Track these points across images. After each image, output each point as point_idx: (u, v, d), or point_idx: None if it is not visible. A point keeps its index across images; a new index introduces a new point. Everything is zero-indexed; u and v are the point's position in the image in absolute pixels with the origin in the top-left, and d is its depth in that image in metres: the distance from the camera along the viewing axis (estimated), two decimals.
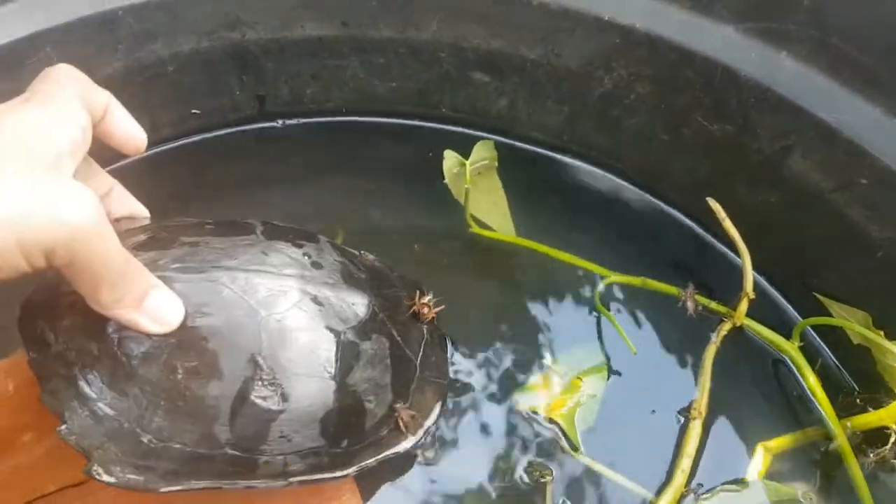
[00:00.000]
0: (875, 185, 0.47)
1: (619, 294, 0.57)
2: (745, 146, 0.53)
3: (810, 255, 0.54)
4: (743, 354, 0.55)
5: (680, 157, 0.57)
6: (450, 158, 0.58)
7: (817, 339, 0.54)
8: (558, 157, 0.63)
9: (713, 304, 0.55)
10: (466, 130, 0.64)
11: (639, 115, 0.57)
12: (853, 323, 0.50)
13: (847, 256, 0.51)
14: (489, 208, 0.59)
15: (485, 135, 0.63)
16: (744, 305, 0.54)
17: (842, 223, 0.50)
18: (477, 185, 0.59)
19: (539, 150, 0.63)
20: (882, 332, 0.49)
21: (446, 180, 0.58)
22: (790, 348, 0.53)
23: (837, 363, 0.53)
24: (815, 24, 0.45)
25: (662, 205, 0.60)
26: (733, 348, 0.55)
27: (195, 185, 0.62)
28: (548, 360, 0.54)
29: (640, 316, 0.56)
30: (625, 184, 0.61)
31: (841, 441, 0.50)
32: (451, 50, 0.58)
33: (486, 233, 0.58)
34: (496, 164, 0.60)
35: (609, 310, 0.56)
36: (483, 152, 0.59)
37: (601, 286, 0.56)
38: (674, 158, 0.58)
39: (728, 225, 0.55)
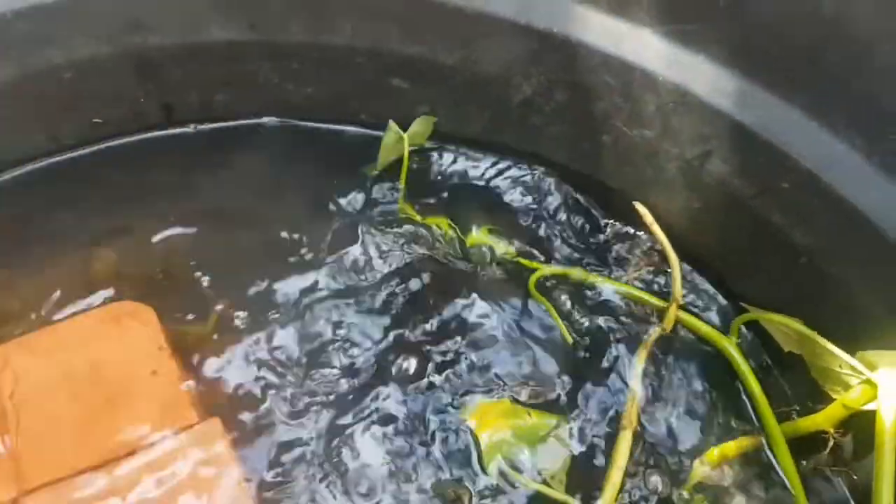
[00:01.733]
0: (796, 189, 0.45)
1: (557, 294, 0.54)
2: (666, 151, 0.50)
3: (736, 262, 0.52)
4: (681, 359, 0.52)
5: (602, 163, 0.54)
6: (390, 132, 0.55)
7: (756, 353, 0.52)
8: (481, 164, 0.59)
9: (652, 299, 0.52)
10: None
11: (559, 121, 0.53)
12: (788, 321, 0.48)
13: (772, 263, 0.49)
14: None
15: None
16: (672, 311, 0.51)
17: (765, 229, 0.48)
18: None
19: (463, 153, 0.59)
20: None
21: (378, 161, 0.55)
22: (728, 343, 0.51)
23: (777, 374, 0.51)
24: (733, 26, 0.43)
25: (592, 209, 0.57)
26: (672, 353, 0.52)
27: (98, 196, 0.56)
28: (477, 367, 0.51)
29: (577, 315, 0.53)
30: (551, 189, 0.58)
31: (779, 449, 0.47)
32: (368, 55, 0.53)
33: (427, 220, 0.54)
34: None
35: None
36: (422, 126, 0.56)
37: (533, 278, 0.52)
38: (595, 164, 0.55)
39: (656, 229, 0.52)
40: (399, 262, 0.54)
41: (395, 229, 0.55)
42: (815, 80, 0.41)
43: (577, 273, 0.54)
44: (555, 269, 0.54)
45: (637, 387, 0.49)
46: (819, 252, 0.45)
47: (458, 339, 0.51)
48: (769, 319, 0.49)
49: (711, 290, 0.54)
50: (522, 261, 0.54)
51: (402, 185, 0.56)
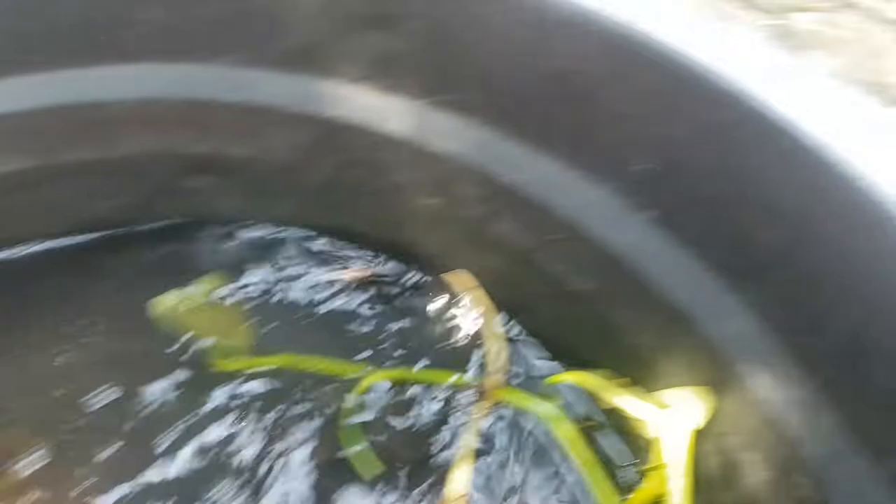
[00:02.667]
0: (566, 239, 0.45)
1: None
2: (456, 216, 0.50)
3: (541, 315, 0.52)
4: (515, 434, 0.50)
5: (412, 234, 0.54)
6: (163, 304, 0.52)
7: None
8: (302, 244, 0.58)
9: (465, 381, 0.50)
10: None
11: (360, 198, 0.54)
12: (581, 377, 0.47)
13: (566, 311, 0.49)
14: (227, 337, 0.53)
15: (219, 228, 0.58)
16: (495, 380, 0.50)
17: (552, 280, 0.48)
18: (209, 315, 0.53)
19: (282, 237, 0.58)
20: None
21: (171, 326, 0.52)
22: (547, 414, 0.48)
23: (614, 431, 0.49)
24: (484, 91, 0.44)
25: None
26: (504, 428, 0.50)
27: None
28: None
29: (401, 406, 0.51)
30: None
31: None
32: (158, 160, 0.53)
33: (233, 365, 0.51)
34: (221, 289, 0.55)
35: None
36: (206, 285, 0.54)
37: (351, 398, 0.49)
38: (404, 235, 0.55)
39: (477, 294, 0.51)
40: None
41: None
42: (562, 132, 0.42)
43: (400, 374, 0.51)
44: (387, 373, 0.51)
45: (465, 468, 0.46)
46: (598, 298, 0.45)
47: None
48: (575, 377, 0.48)
49: (534, 353, 0.52)
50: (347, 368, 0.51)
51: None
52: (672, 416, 0.42)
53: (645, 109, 0.38)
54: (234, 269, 0.56)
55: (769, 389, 0.38)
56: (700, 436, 0.42)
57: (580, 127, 0.41)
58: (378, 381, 0.51)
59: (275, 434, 0.48)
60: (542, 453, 0.49)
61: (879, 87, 1.11)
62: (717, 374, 0.41)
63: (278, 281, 0.56)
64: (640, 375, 0.45)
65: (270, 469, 0.47)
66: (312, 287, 0.55)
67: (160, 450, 0.46)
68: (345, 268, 0.55)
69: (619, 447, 0.48)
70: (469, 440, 0.48)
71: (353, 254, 0.56)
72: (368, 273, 0.55)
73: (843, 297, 0.34)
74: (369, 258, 0.56)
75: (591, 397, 0.48)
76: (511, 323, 0.53)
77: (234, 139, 0.52)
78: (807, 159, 0.33)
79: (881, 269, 0.33)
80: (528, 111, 0.43)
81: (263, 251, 0.58)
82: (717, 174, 0.36)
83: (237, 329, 0.54)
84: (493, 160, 0.45)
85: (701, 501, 0.43)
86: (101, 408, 0.48)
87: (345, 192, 0.53)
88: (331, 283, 0.55)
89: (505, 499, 0.47)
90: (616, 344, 0.45)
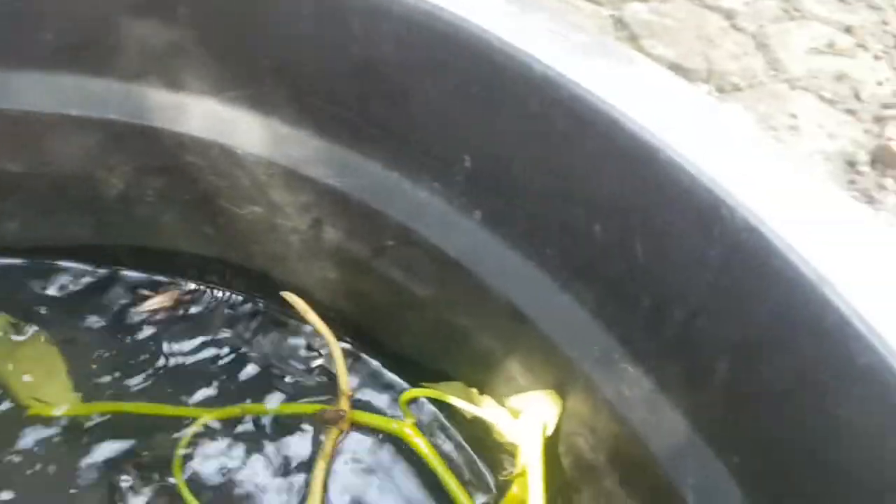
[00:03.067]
0: (400, 244, 0.41)
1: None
2: (280, 226, 0.45)
3: (383, 325, 0.48)
4: (370, 459, 0.45)
5: (226, 250, 0.48)
6: None
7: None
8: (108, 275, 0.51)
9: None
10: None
11: (169, 210, 0.48)
12: (433, 391, 0.43)
13: (410, 320, 0.45)
14: (44, 380, 0.45)
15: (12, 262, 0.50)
16: (343, 406, 0.44)
17: (393, 288, 0.44)
18: (20, 357, 0.46)
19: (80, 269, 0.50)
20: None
21: None
22: (406, 426, 0.44)
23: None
24: (286, 84, 0.39)
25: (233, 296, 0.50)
26: (357, 454, 0.45)
27: None
28: None
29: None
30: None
31: None
32: None
33: (49, 410, 0.43)
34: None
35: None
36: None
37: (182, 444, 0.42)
38: (226, 249, 0.49)
39: (312, 317, 0.46)
40: None
41: None
42: (377, 130, 0.38)
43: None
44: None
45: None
46: (440, 304, 0.41)
47: None
48: (427, 392, 0.44)
49: (382, 370, 0.48)
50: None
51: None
52: (524, 422, 0.40)
53: (462, 104, 0.34)
54: (36, 305, 0.48)
55: (612, 388, 0.36)
56: (552, 438, 0.40)
57: (397, 125, 0.37)
58: (213, 420, 0.45)
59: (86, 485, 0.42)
60: (398, 473, 0.45)
61: (711, 75, 1.14)
62: (562, 375, 0.39)
63: (88, 315, 0.48)
64: (489, 381, 0.42)
65: None
66: (126, 320, 0.48)
67: None
68: (154, 293, 0.48)
69: (478, 458, 0.45)
70: (321, 468, 0.43)
71: (164, 279, 0.49)
72: (176, 296, 0.49)
73: (678, 291, 0.32)
74: (185, 280, 0.49)
75: (445, 411, 0.45)
76: (356, 338, 0.48)
77: (4, 153, 0.44)
78: (632, 151, 0.31)
79: (714, 261, 0.31)
80: (340, 107, 0.38)
81: (65, 281, 0.50)
82: (541, 170, 0.33)
83: (53, 370, 0.47)
84: (310, 162, 0.40)
85: (561, 503, 0.41)
86: None
87: (148, 205, 0.46)
88: (144, 312, 0.48)
89: None
90: (463, 350, 0.42)
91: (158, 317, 0.47)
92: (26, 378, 0.45)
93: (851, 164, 1.09)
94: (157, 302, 0.47)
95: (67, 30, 0.40)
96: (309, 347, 0.50)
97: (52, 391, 0.45)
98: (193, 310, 0.48)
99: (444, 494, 0.44)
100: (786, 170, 0.30)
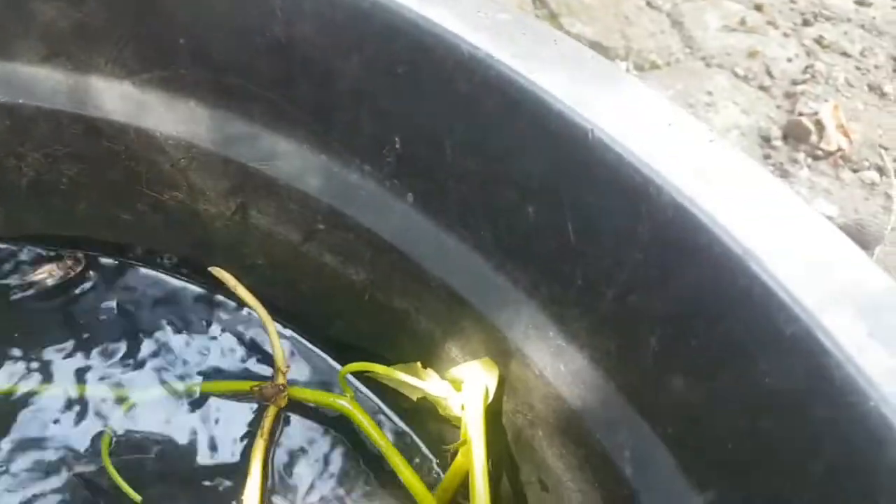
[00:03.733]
0: (331, 228, 0.39)
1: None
2: (204, 211, 0.43)
3: (317, 310, 0.47)
4: (308, 437, 0.44)
5: (154, 236, 0.46)
6: None
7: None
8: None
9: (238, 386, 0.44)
10: None
11: (85, 198, 0.45)
12: (376, 367, 0.43)
13: (345, 305, 0.44)
14: None
15: None
16: (280, 380, 0.44)
17: (326, 272, 0.43)
18: None
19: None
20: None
21: None
22: (344, 400, 0.42)
23: (411, 430, 0.44)
24: (205, 64, 0.36)
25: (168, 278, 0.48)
26: (295, 433, 0.44)
27: None
28: None
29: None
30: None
31: None
32: None
33: None
34: None
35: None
36: None
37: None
38: (146, 237, 0.47)
39: (242, 292, 0.44)
40: None
41: None
42: (303, 111, 0.37)
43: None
44: None
45: (255, 484, 0.40)
46: (375, 288, 0.41)
47: None
48: (367, 366, 0.43)
49: (316, 350, 0.47)
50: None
51: None
52: (466, 390, 0.40)
53: (389, 85, 0.33)
54: None
55: (548, 365, 0.36)
56: (492, 416, 0.40)
57: (323, 106, 0.35)
58: (148, 398, 0.44)
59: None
60: (338, 448, 0.44)
61: (629, 52, 1.16)
62: (500, 354, 0.39)
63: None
64: (429, 362, 0.41)
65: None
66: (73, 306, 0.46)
67: None
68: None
69: (419, 438, 0.45)
70: (260, 447, 0.42)
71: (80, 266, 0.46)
72: (69, 265, 0.46)
73: (609, 268, 0.32)
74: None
75: (382, 397, 0.45)
76: (289, 323, 0.47)
77: None
78: (561, 131, 0.30)
79: (643, 238, 0.31)
80: (263, 88, 0.36)
81: None
82: (471, 151, 0.32)
83: None
84: (232, 145, 0.38)
85: (504, 477, 0.41)
86: None
87: (63, 193, 0.43)
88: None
89: (304, 497, 0.43)
90: (400, 333, 0.41)
91: (49, 282, 0.45)
92: None
93: (766, 140, 1.12)
94: (46, 270, 0.45)
95: None
96: (239, 328, 0.48)
97: None
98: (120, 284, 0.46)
99: (384, 474, 0.44)
100: (708, 147, 0.30)
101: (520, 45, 0.32)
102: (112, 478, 0.40)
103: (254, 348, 0.47)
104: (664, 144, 0.30)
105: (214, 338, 0.47)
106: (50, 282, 0.45)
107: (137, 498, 0.40)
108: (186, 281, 0.48)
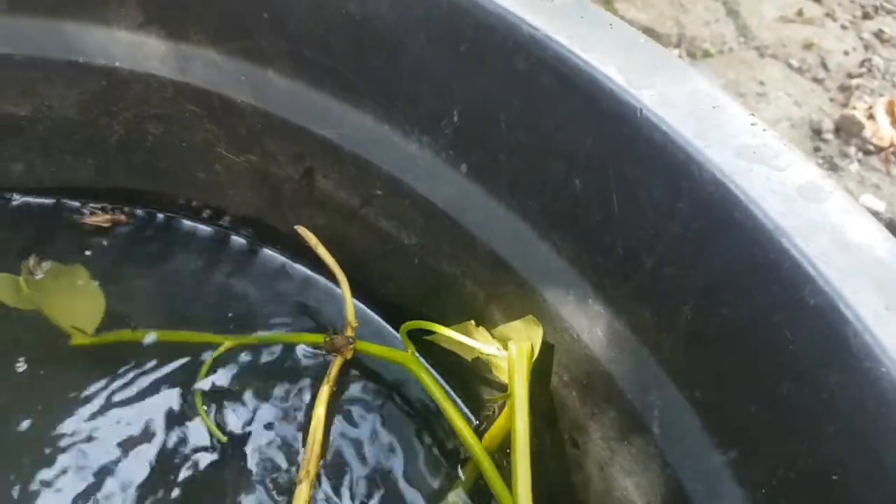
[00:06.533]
0: (389, 194, 0.42)
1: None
2: (274, 174, 0.47)
3: (369, 272, 0.50)
4: (368, 391, 0.47)
5: (228, 194, 0.49)
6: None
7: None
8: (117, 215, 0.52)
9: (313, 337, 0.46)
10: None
11: (166, 156, 0.48)
12: (434, 326, 0.45)
13: (396, 267, 0.47)
14: (86, 314, 0.46)
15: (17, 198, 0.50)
16: (349, 333, 0.45)
17: (380, 236, 0.45)
18: (55, 292, 0.46)
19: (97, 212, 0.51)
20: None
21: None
22: (405, 357, 0.45)
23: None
24: (283, 37, 0.39)
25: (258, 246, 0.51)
26: (356, 386, 0.47)
27: None
28: None
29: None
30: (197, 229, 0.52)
31: (486, 469, 0.41)
32: None
33: (93, 340, 0.44)
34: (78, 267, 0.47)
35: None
36: (32, 262, 0.46)
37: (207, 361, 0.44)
38: (223, 195, 0.50)
39: (322, 251, 0.46)
40: None
41: None
42: (370, 84, 0.39)
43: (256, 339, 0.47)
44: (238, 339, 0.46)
45: (318, 431, 0.42)
46: (426, 252, 0.43)
47: None
48: (432, 328, 0.43)
49: (368, 310, 0.49)
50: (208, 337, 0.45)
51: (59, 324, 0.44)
52: (511, 347, 0.40)
53: (451, 61, 0.35)
54: (56, 242, 0.49)
55: (586, 329, 0.38)
56: (535, 373, 0.42)
57: (389, 79, 0.38)
58: (233, 347, 0.47)
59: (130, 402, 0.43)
60: (398, 401, 0.47)
61: (682, 40, 1.15)
62: (540, 318, 0.41)
63: (106, 251, 0.49)
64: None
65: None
66: (149, 253, 0.50)
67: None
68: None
69: (461, 391, 0.47)
70: (325, 392, 0.44)
71: (166, 220, 0.51)
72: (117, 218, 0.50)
73: (648, 240, 0.34)
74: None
75: (430, 346, 0.47)
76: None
77: (9, 96, 0.44)
78: (611, 110, 0.32)
79: (682, 213, 0.33)
80: (335, 61, 0.39)
81: (71, 221, 0.51)
82: (524, 126, 0.34)
83: (86, 303, 0.47)
84: (304, 113, 0.41)
85: (540, 433, 0.44)
86: None
87: (147, 150, 0.47)
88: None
89: (364, 448, 0.45)
90: (447, 296, 0.44)
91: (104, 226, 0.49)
92: (62, 312, 0.46)
93: (817, 132, 1.11)
94: (102, 219, 0.49)
95: None
96: (300, 286, 0.52)
97: (86, 320, 0.46)
98: (194, 245, 0.50)
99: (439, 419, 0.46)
100: (749, 129, 0.32)
101: (577, 28, 0.33)
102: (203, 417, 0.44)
103: (315, 308, 0.50)
104: (708, 126, 0.32)
105: (281, 294, 0.51)
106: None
107: (223, 438, 0.43)
108: (252, 241, 0.51)
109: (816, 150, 1.06)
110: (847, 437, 0.27)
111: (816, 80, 1.17)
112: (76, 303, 0.47)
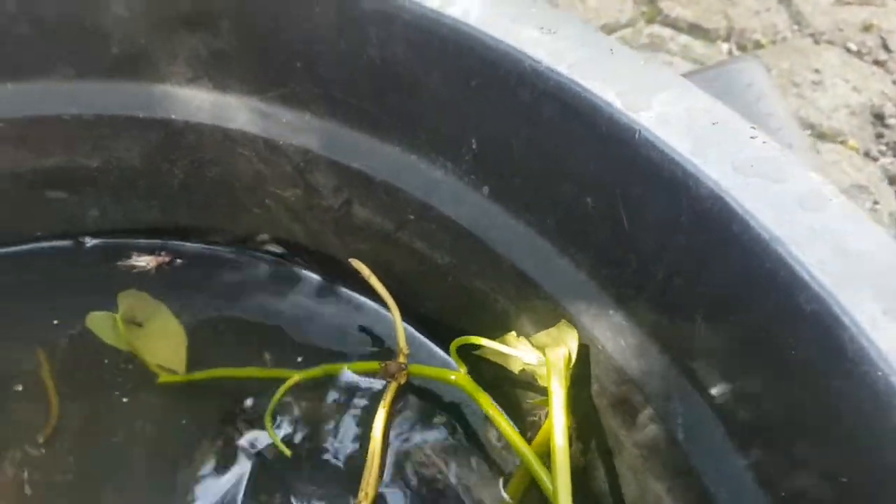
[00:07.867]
0: (419, 218, 0.45)
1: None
2: (318, 205, 0.50)
3: (409, 291, 0.52)
4: (422, 412, 0.50)
5: (279, 225, 0.52)
6: (96, 320, 0.47)
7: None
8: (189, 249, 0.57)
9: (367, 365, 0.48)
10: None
11: (223, 195, 0.52)
12: (478, 340, 0.47)
13: (433, 286, 0.49)
14: (170, 352, 0.49)
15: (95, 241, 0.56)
16: (402, 359, 0.47)
17: (415, 257, 0.48)
18: (144, 334, 0.49)
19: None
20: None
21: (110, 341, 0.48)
22: (459, 377, 0.46)
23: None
24: (315, 83, 0.42)
25: (321, 278, 0.55)
26: (410, 409, 0.50)
27: None
28: None
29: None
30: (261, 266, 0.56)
31: (534, 470, 0.41)
32: (9, 179, 0.50)
33: (177, 378, 0.48)
34: (161, 305, 0.50)
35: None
36: (131, 300, 0.48)
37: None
38: (276, 227, 0.54)
39: (374, 282, 0.48)
40: None
41: None
42: (394, 118, 0.42)
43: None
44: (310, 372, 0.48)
45: (376, 454, 0.44)
46: (457, 271, 0.45)
47: None
48: (479, 342, 0.44)
49: (410, 328, 0.52)
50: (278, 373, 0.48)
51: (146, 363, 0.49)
52: (549, 354, 0.41)
53: (465, 95, 0.37)
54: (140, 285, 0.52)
55: (609, 340, 0.39)
56: (571, 379, 0.43)
57: (411, 114, 0.41)
58: (297, 380, 0.48)
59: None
60: (452, 420, 0.49)
61: (731, 33, 1.12)
62: None
63: (182, 291, 0.54)
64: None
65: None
66: (218, 293, 0.54)
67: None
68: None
69: (501, 399, 0.49)
70: (381, 417, 0.46)
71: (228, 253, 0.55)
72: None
73: (657, 252, 0.35)
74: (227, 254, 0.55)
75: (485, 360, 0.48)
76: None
77: (82, 151, 0.49)
78: (611, 133, 0.33)
79: (685, 225, 0.34)
80: (361, 101, 0.42)
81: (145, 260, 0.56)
82: (534, 151, 0.36)
83: (171, 343, 0.50)
84: (339, 149, 0.44)
85: (576, 440, 0.45)
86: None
87: (206, 192, 0.51)
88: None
89: (415, 459, 0.48)
90: (480, 311, 0.46)
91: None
92: (153, 349, 0.49)
93: (878, 117, 1.06)
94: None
95: (130, 43, 0.44)
96: (349, 310, 0.55)
97: (175, 359, 0.49)
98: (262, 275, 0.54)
99: (481, 447, 0.48)
100: (749, 143, 0.32)
101: (576, 57, 0.35)
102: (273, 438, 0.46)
103: (364, 331, 0.53)
104: (706, 142, 0.33)
105: (331, 321, 0.53)
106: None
107: (288, 453, 0.46)
108: (302, 268, 0.55)
109: (879, 136, 1.02)
110: (850, 440, 0.28)
111: (878, 63, 1.12)
112: (163, 342, 0.50)
